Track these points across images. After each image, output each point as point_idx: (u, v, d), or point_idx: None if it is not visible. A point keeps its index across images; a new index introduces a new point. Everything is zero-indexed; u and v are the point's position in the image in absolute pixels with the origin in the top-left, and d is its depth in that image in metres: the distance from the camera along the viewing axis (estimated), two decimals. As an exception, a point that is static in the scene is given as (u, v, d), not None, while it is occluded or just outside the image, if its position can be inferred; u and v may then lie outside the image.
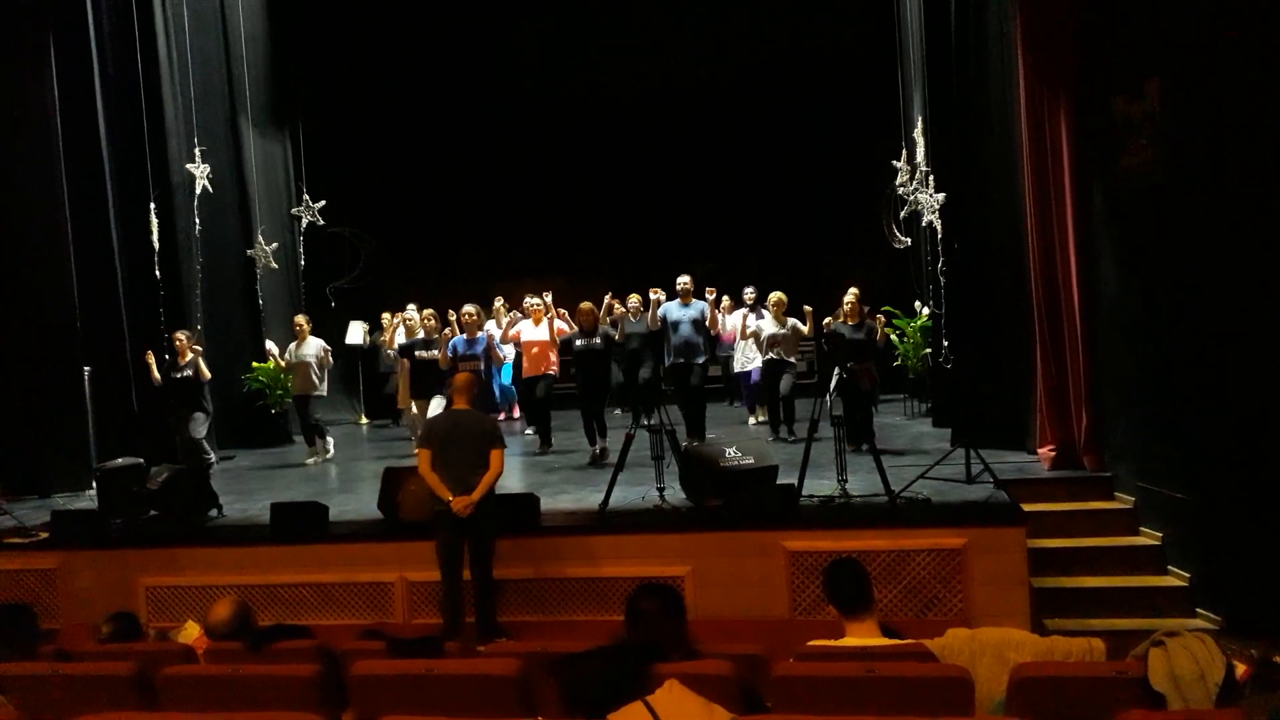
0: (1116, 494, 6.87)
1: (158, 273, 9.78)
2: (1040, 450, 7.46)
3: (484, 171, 13.92)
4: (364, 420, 13.10)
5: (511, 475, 8.40)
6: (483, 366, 8.20)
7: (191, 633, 5.12)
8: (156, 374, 8.89)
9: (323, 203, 12.25)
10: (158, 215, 9.79)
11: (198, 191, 10.41)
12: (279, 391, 10.94)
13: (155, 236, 9.75)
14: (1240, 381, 5.48)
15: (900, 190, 9.74)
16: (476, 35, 13.69)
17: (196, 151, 10.40)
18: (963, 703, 3.01)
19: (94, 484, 8.06)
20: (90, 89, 9.29)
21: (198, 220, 10.44)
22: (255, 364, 10.95)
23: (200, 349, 8.96)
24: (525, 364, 9.42)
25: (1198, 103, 5.72)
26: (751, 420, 10.71)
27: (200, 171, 10.40)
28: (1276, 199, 5.17)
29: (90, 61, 9.30)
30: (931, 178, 9.11)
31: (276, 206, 12.27)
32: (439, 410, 8.46)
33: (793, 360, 9.43)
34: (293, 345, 10.08)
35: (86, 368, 9.19)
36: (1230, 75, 5.41)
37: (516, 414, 11.87)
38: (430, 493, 5.75)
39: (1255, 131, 5.28)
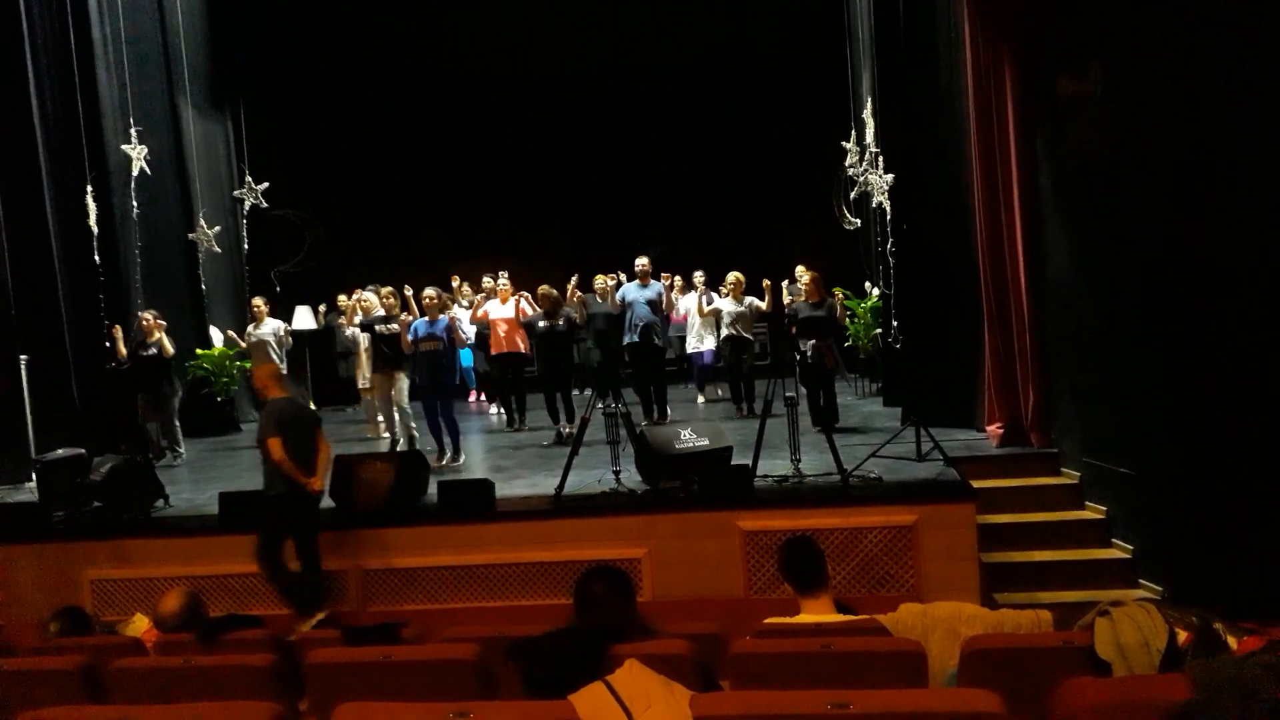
0: (1063, 470, 7.02)
1: (96, 257, 9.51)
2: (989, 427, 7.60)
3: (432, 153, 13.75)
4: (312, 407, 12.89)
5: (469, 459, 8.39)
6: (444, 347, 8.20)
7: (140, 625, 5.03)
8: (123, 349, 9.02)
9: (266, 185, 12.00)
10: (95, 198, 9.51)
11: (135, 173, 10.14)
12: (224, 379, 10.74)
13: (93, 220, 9.48)
14: (1183, 359, 5.61)
15: (850, 171, 9.82)
16: (426, 11, 13.45)
17: (133, 132, 10.12)
18: (916, 675, 3.06)
19: (34, 476, 7.85)
20: (22, 68, 8.99)
21: (136, 203, 10.18)
22: (199, 350, 10.73)
23: (165, 324, 9.12)
24: (494, 341, 9.56)
25: (1140, 83, 5.83)
26: (701, 400, 10.83)
27: (137, 153, 10.13)
28: (1217, 180, 5.29)
29: (21, 39, 8.99)
30: (881, 159, 9.19)
31: (218, 189, 11.99)
32: (403, 388, 8.53)
33: (749, 337, 9.64)
34: (250, 326, 10.17)
35: (24, 356, 8.92)
36: (1171, 56, 5.51)
37: (482, 397, 11.91)
38: (275, 479, 5.80)
39: (1195, 112, 5.38)
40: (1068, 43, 6.63)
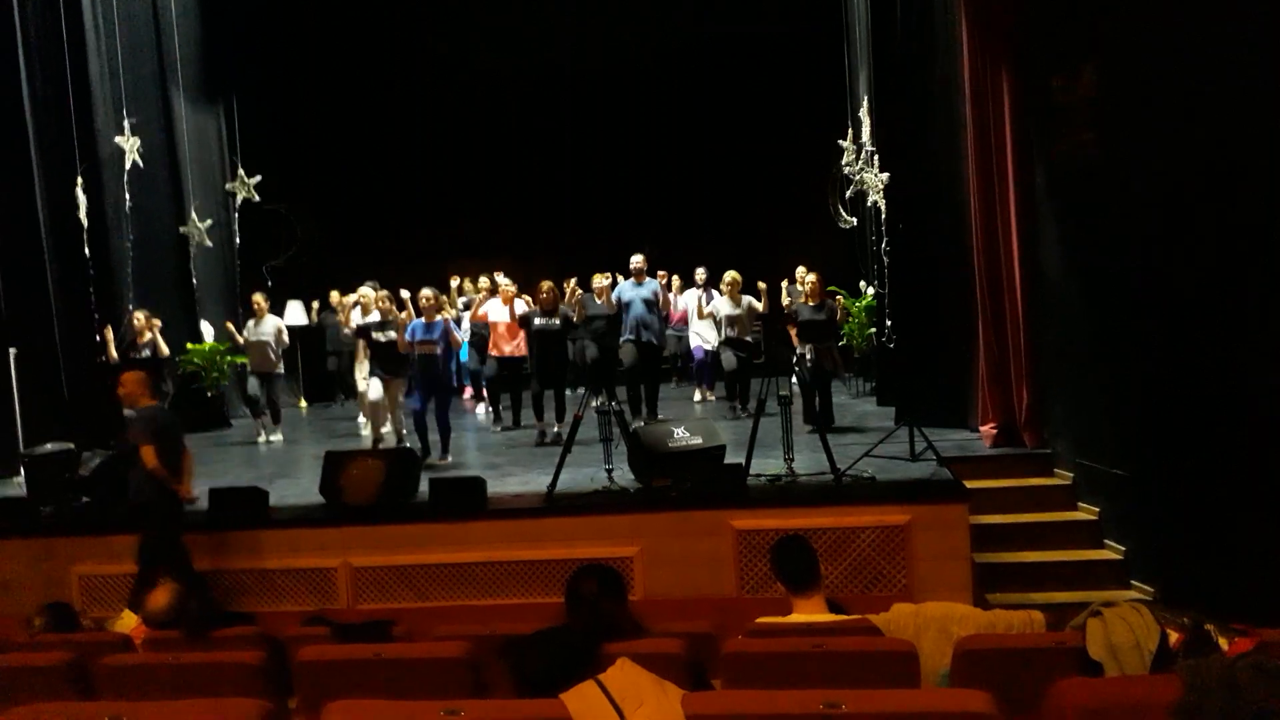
0: (1056, 470, 7.03)
1: (86, 250, 9.43)
2: (982, 428, 7.60)
3: (425, 147, 13.69)
4: (303, 404, 12.86)
5: (462, 456, 8.37)
6: (440, 350, 8.19)
7: (129, 622, 4.99)
8: (114, 352, 8.90)
9: (258, 178, 11.93)
10: (85, 190, 9.42)
11: (127, 166, 10.07)
12: (214, 374, 10.69)
13: (83, 212, 9.39)
14: (1175, 361, 5.62)
15: (846, 170, 9.81)
16: (420, 5, 13.40)
17: (125, 124, 10.06)
18: (908, 675, 3.06)
19: (22, 470, 7.80)
20: (13, 58, 8.90)
21: (128, 196, 10.11)
22: (190, 345, 10.67)
23: (159, 324, 9.03)
24: (493, 342, 9.55)
25: (1134, 85, 5.83)
26: (698, 396, 10.81)
27: (130, 145, 10.06)
28: (1209, 181, 5.30)
29: (13, 29, 8.90)
30: (876, 158, 9.18)
31: (210, 182, 11.92)
32: (375, 391, 8.43)
33: (749, 339, 9.60)
34: (251, 323, 10.04)
35: (12, 349, 8.85)
36: (1164, 59, 5.51)
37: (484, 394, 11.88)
38: (145, 486, 5.77)
39: (1188, 114, 5.39)
40: (1062, 44, 6.64)
